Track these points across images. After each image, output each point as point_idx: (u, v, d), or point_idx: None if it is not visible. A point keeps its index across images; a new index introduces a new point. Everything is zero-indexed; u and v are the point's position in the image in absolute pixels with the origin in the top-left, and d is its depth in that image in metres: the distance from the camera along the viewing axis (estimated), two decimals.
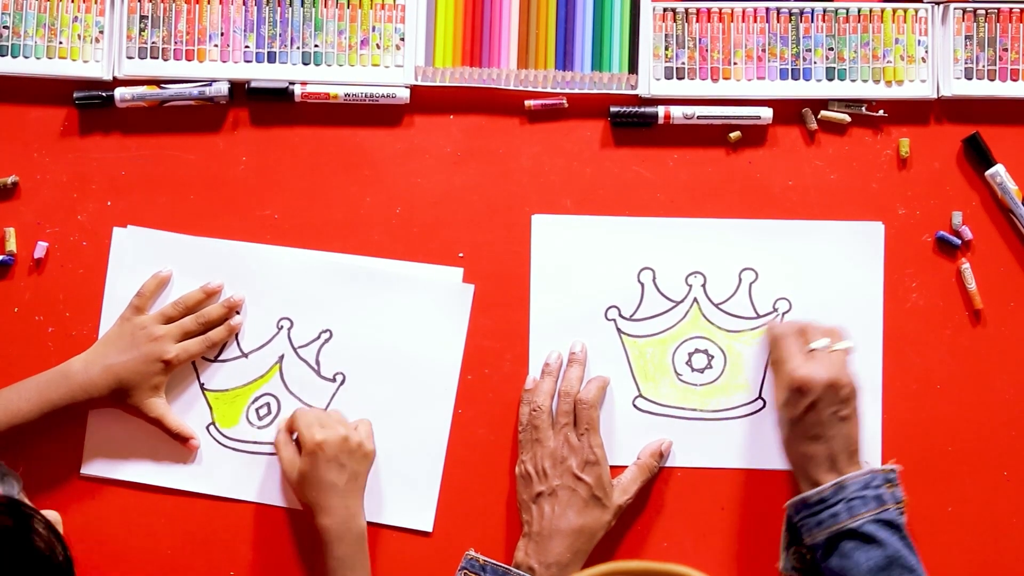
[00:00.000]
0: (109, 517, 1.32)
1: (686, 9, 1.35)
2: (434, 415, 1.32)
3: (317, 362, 1.33)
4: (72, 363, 1.29)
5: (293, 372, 1.33)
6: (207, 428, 1.32)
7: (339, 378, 1.33)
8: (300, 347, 1.33)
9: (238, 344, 1.33)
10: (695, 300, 1.33)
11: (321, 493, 1.24)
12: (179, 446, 1.31)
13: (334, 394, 1.33)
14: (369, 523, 1.28)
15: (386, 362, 1.33)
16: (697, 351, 1.33)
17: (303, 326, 1.33)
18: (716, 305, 1.33)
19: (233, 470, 1.32)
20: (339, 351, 1.33)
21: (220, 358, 1.33)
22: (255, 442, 1.32)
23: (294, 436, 1.28)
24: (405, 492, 1.32)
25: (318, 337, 1.33)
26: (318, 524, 1.24)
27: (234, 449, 1.32)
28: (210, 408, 1.32)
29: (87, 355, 1.30)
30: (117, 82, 1.35)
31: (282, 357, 1.33)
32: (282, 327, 1.33)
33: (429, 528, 1.32)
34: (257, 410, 1.32)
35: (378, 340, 1.33)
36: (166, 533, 1.32)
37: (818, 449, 1.21)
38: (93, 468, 1.32)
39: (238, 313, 1.32)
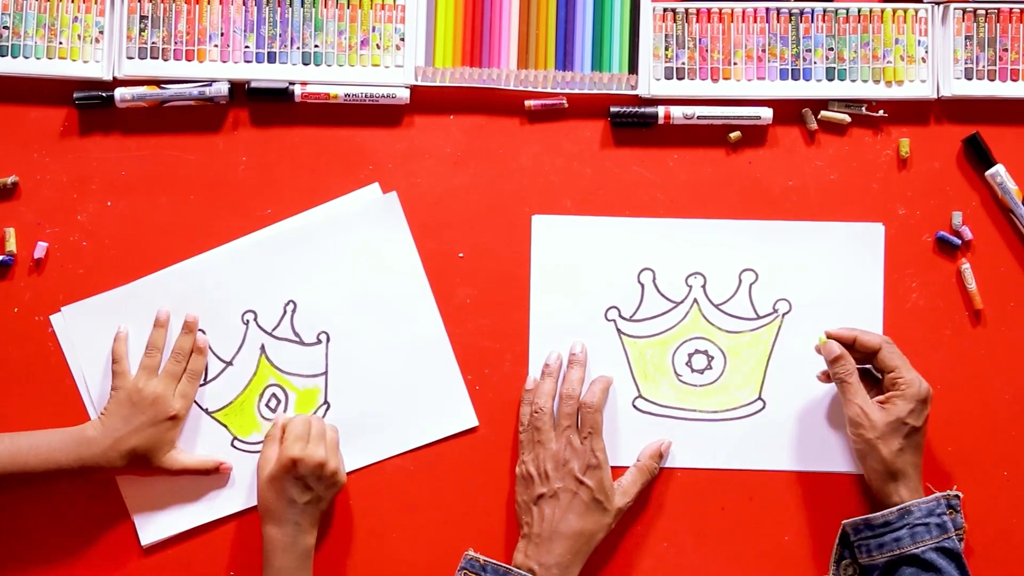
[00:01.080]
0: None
1: (686, 9, 1.35)
2: (425, 322, 1.33)
3: (296, 333, 1.33)
4: (85, 429, 1.28)
5: (280, 354, 1.33)
6: (231, 445, 1.32)
7: (323, 337, 1.33)
8: (273, 329, 1.33)
9: (217, 356, 1.33)
10: (695, 301, 1.33)
11: (278, 503, 1.24)
12: (214, 477, 1.32)
13: (326, 353, 1.33)
14: (421, 447, 1.31)
15: (356, 301, 1.33)
16: (697, 352, 1.33)
17: (266, 310, 1.34)
18: (716, 306, 1.33)
19: None
20: (311, 314, 1.34)
21: (208, 379, 1.33)
22: None
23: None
24: (438, 404, 1.33)
25: (284, 312, 1.34)
26: (266, 531, 1.24)
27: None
28: (225, 427, 1.33)
29: (97, 425, 1.28)
30: (117, 82, 1.35)
31: (263, 346, 1.33)
32: (248, 320, 1.34)
33: (475, 422, 1.32)
34: (268, 405, 1.33)
35: (338, 286, 1.33)
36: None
37: (916, 459, 1.24)
38: (150, 535, 1.32)
39: (202, 332, 1.32)
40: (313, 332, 1.33)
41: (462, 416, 1.33)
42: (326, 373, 1.33)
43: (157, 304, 1.33)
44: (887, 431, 1.23)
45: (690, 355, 1.33)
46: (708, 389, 1.32)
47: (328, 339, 1.33)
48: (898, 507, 1.22)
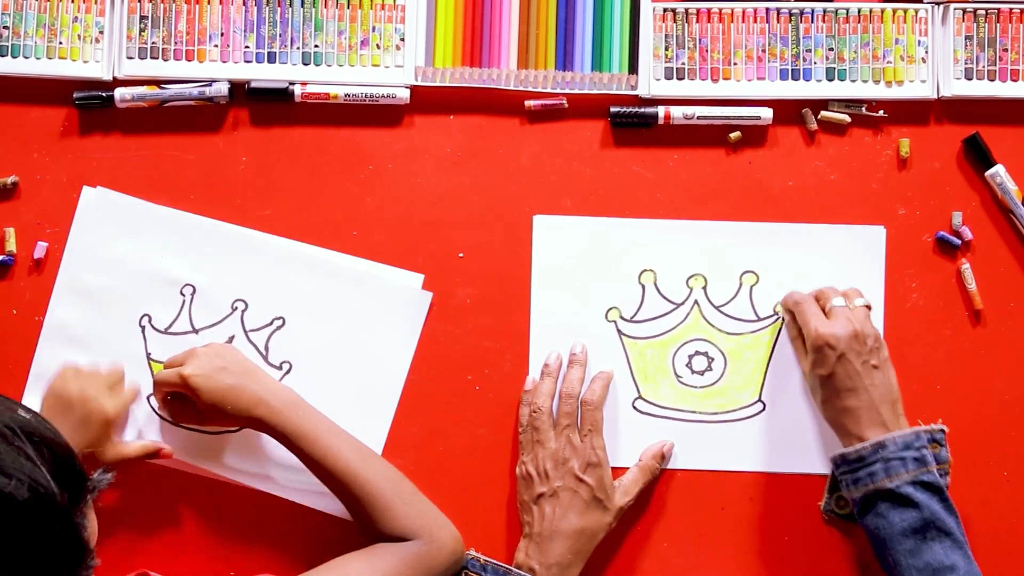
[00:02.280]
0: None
1: (686, 9, 1.35)
2: (374, 417, 1.32)
3: (266, 348, 1.33)
4: None
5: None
6: (147, 399, 1.32)
7: (286, 366, 1.33)
8: (251, 330, 1.33)
9: (190, 319, 1.33)
10: (696, 302, 1.33)
11: (230, 396, 1.22)
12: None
13: (280, 381, 1.32)
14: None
15: (334, 357, 1.33)
16: (697, 353, 1.33)
17: (257, 310, 1.33)
18: (717, 308, 1.33)
19: (194, 439, 1.31)
20: (290, 339, 1.33)
21: (170, 331, 1.32)
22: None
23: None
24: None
25: (270, 323, 1.33)
26: (259, 417, 1.22)
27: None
28: (152, 374, 1.32)
29: None
30: (117, 82, 1.35)
31: (232, 338, 1.33)
32: (236, 308, 1.33)
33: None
34: None
35: (330, 334, 1.33)
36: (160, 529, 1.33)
37: (857, 401, 1.21)
38: None
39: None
40: (281, 355, 1.33)
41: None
42: None
43: (176, 240, 1.32)
44: (811, 389, 1.26)
45: (690, 356, 1.33)
46: (708, 391, 1.33)
47: (289, 370, 1.33)
48: (872, 441, 1.19)
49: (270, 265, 1.33)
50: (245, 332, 1.33)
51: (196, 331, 1.33)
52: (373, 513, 1.21)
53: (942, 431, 1.22)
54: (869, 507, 1.19)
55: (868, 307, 1.26)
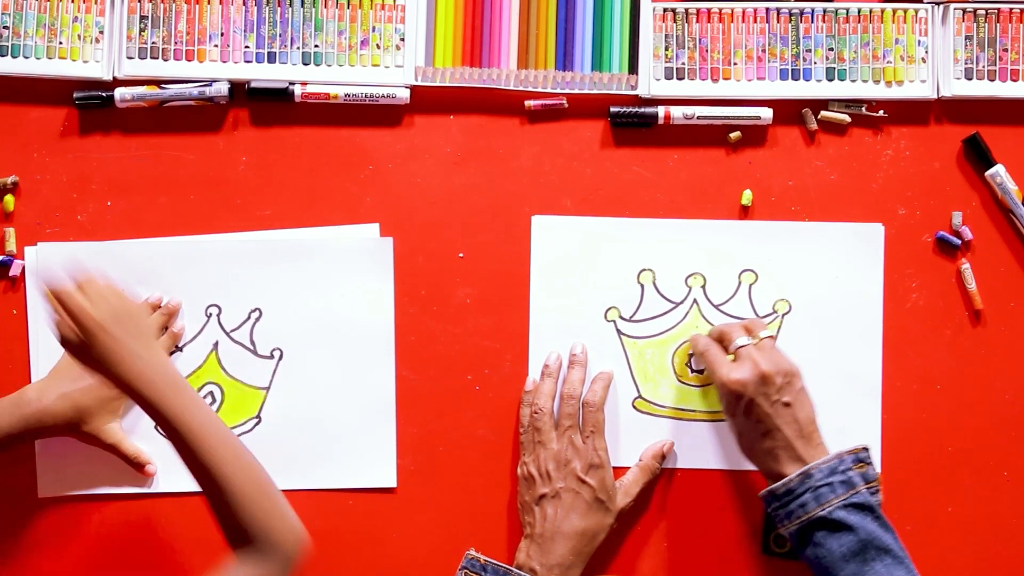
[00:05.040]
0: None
1: (686, 9, 1.35)
2: (377, 373, 1.33)
3: (252, 342, 1.33)
4: (26, 391, 1.27)
5: (230, 356, 1.33)
6: (155, 428, 1.31)
7: (276, 354, 1.33)
8: (232, 331, 1.33)
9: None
10: (695, 301, 1.33)
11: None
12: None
13: (274, 370, 1.33)
14: (335, 490, 1.31)
15: (320, 330, 1.33)
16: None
17: (231, 310, 1.33)
18: (716, 306, 1.33)
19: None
20: (272, 327, 1.33)
21: None
22: None
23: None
24: (364, 454, 1.32)
25: (248, 318, 1.33)
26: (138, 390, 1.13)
27: None
28: None
29: (40, 384, 1.28)
30: (117, 82, 1.35)
31: (216, 344, 1.33)
32: (211, 314, 1.33)
33: (393, 484, 1.32)
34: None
35: (308, 309, 1.33)
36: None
37: (772, 443, 1.20)
38: (49, 489, 1.31)
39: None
40: (269, 345, 1.33)
41: (383, 473, 1.32)
42: (268, 388, 1.33)
43: (131, 270, 1.32)
44: (732, 432, 1.25)
45: (690, 356, 1.33)
46: (708, 390, 1.32)
47: (281, 356, 1.33)
48: (798, 472, 1.18)
49: (231, 263, 1.33)
50: (227, 334, 1.33)
51: (180, 348, 1.33)
52: (220, 501, 1.13)
53: (865, 449, 1.21)
54: (807, 539, 1.18)
55: (772, 338, 1.25)
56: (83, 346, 1.12)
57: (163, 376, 1.13)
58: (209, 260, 1.33)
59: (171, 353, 1.32)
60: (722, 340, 1.27)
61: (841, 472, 1.18)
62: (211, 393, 1.33)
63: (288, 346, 1.33)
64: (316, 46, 1.35)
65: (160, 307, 1.32)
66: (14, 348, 1.33)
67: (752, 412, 1.21)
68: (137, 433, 1.32)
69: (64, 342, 1.13)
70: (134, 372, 1.12)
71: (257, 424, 1.33)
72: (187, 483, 1.26)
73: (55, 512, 1.32)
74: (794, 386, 1.22)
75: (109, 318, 1.12)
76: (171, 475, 1.31)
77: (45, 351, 1.32)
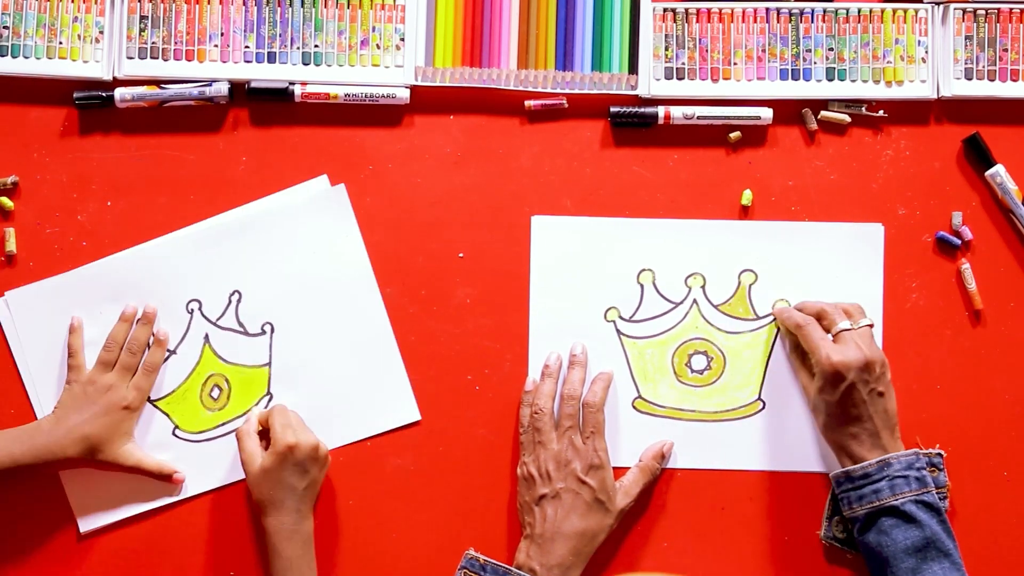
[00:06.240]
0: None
1: (686, 9, 1.35)
2: (369, 315, 1.33)
3: (240, 324, 1.34)
4: (41, 422, 1.29)
5: (223, 344, 1.33)
6: (173, 434, 1.33)
7: (267, 328, 1.34)
8: (218, 319, 1.34)
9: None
10: (695, 301, 1.33)
11: (279, 493, 1.24)
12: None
13: (270, 344, 1.33)
14: (363, 440, 1.32)
15: (301, 293, 1.34)
16: (697, 352, 1.33)
17: (211, 300, 1.34)
18: (716, 307, 1.33)
19: (212, 459, 1.33)
20: (256, 305, 1.34)
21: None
22: (221, 424, 1.33)
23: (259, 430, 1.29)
24: (380, 397, 1.33)
25: (229, 302, 1.34)
26: (267, 523, 1.24)
27: (207, 440, 1.33)
28: (167, 415, 1.33)
29: (51, 419, 1.29)
30: (117, 82, 1.35)
31: (207, 336, 1.33)
32: (192, 309, 1.34)
33: (417, 416, 1.33)
34: (211, 395, 1.33)
35: (285, 277, 1.34)
36: (169, 543, 1.33)
37: (859, 428, 1.23)
38: (90, 523, 1.32)
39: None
40: (258, 323, 1.34)
41: (404, 410, 1.33)
42: (269, 364, 1.33)
43: (101, 292, 1.33)
44: (813, 408, 1.26)
45: (690, 356, 1.33)
46: (708, 390, 1.32)
47: (272, 330, 1.34)
48: (878, 459, 1.22)
49: (197, 255, 1.33)
50: (214, 324, 1.33)
51: (173, 351, 1.33)
52: None
53: (940, 455, 1.25)
54: (871, 524, 1.21)
55: (871, 325, 1.26)
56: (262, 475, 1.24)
57: (302, 525, 1.25)
58: (175, 258, 1.34)
59: (164, 360, 1.33)
60: (820, 318, 1.27)
61: (916, 469, 1.21)
62: (217, 385, 1.33)
63: (277, 318, 1.34)
64: (316, 46, 1.35)
65: (139, 319, 1.32)
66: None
67: (849, 396, 1.22)
68: (151, 444, 1.32)
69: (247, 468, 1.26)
70: (286, 504, 1.25)
71: (270, 400, 1.33)
72: (216, 479, 1.31)
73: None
74: (887, 377, 1.24)
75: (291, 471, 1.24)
76: (199, 478, 1.32)
77: (44, 391, 1.33)
